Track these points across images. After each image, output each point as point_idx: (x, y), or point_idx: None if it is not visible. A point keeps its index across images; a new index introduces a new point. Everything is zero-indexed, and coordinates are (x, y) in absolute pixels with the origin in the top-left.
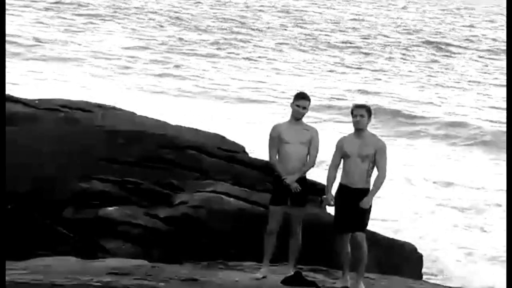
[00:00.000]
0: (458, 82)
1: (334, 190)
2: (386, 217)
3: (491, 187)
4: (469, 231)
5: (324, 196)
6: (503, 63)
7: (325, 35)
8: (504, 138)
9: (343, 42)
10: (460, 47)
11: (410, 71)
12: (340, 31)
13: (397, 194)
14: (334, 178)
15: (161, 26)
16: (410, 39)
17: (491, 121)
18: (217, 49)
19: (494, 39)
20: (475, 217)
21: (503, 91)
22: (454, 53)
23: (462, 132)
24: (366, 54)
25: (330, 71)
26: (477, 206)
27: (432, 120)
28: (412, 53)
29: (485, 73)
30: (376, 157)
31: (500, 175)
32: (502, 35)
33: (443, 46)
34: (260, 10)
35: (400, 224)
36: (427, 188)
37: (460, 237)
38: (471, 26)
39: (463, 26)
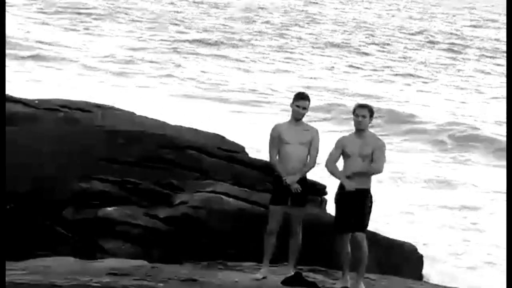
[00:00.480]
0: (458, 82)
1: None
2: (380, 218)
3: (488, 187)
4: (465, 232)
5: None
6: (503, 62)
7: (326, 35)
8: (502, 138)
9: (343, 42)
10: (461, 46)
11: (410, 71)
12: (341, 31)
13: (392, 194)
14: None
15: (161, 26)
16: (410, 39)
17: (490, 121)
18: (217, 49)
19: (494, 39)
20: (471, 218)
21: (503, 91)
22: (455, 51)
23: (460, 131)
24: (366, 54)
25: (330, 71)
26: (474, 206)
27: (431, 119)
28: (413, 53)
29: (485, 72)
30: (374, 155)
31: (497, 175)
32: (503, 35)
33: (444, 46)
34: (260, 9)
35: (395, 225)
36: (424, 188)
37: (456, 238)
38: (472, 26)
39: (464, 26)
